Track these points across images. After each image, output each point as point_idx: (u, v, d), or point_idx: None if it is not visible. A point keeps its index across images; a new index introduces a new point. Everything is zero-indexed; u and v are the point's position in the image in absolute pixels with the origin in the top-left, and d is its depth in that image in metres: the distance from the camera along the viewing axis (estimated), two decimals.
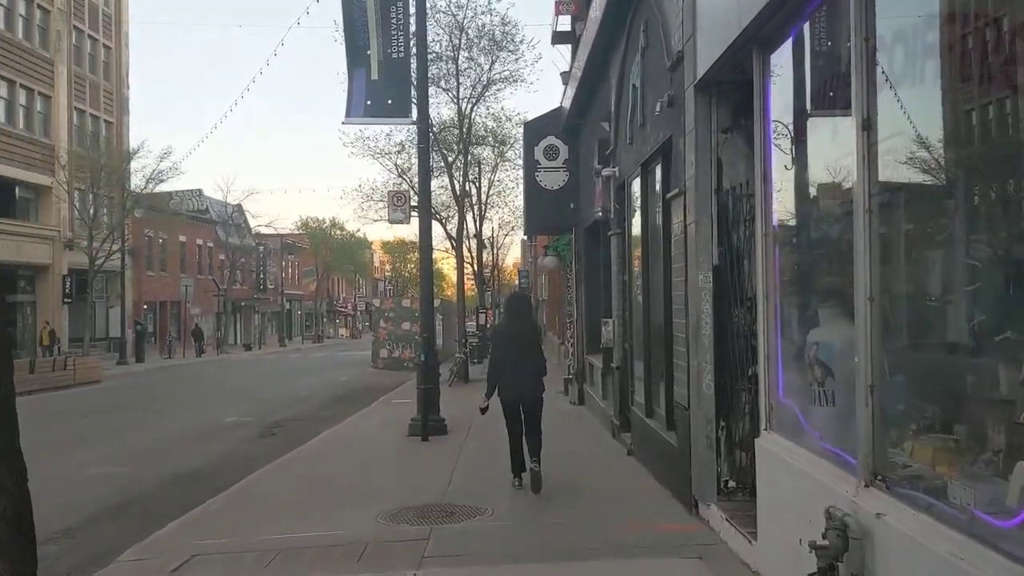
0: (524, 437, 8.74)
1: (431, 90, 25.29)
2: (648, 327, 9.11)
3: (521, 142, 28.62)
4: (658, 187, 8.31)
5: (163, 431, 15.73)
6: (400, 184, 26.95)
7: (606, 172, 10.99)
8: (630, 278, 10.22)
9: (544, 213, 16.89)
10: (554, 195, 16.68)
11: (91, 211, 36.64)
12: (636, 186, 9.60)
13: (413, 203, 12.65)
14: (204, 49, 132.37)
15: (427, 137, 12.88)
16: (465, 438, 12.39)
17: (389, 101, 12.75)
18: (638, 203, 9.52)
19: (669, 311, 7.65)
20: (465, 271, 45.29)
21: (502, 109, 25.74)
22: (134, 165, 40.59)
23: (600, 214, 11.24)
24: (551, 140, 16.72)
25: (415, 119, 12.79)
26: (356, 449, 11.88)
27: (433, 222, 34.71)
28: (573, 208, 16.35)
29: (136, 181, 40.60)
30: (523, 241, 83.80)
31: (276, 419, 17.25)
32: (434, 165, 31.88)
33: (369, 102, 12.72)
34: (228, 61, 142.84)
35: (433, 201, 33.00)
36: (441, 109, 25.77)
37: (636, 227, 9.93)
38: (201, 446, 13.86)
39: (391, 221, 12.80)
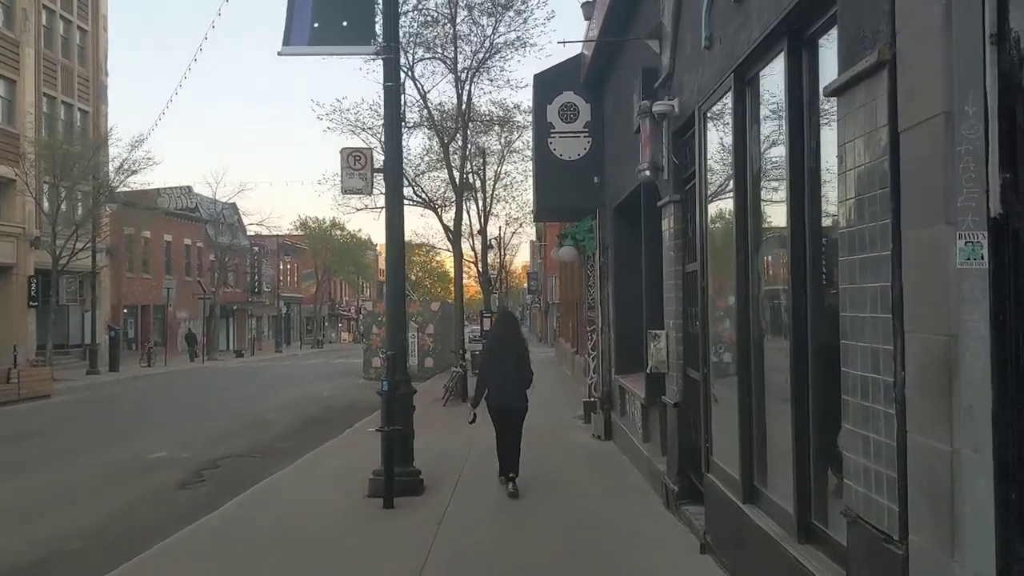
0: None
1: (422, 56, 21.77)
2: (756, 347, 5.31)
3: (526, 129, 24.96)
4: (803, 83, 4.48)
5: (65, 472, 12.07)
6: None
7: (659, 108, 7.20)
8: (706, 267, 6.41)
9: (559, 191, 13.10)
10: (572, 168, 12.91)
11: (57, 204, 33.05)
12: (724, 108, 5.78)
13: (378, 166, 8.80)
14: (189, 39, 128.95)
15: (397, 72, 9.11)
16: (449, 501, 8.60)
17: (344, 23, 9.03)
18: (727, 137, 5.71)
19: (830, 324, 3.85)
20: (466, 271, 41.56)
21: (507, 82, 21.92)
22: (111, 154, 37.11)
23: (647, 173, 7.46)
24: (568, 97, 12.95)
25: (379, 47, 9.02)
26: (285, 524, 8.06)
27: (428, 212, 30.84)
28: (598, 183, 12.56)
29: (114, 175, 37.07)
30: (532, 243, 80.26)
31: (219, 454, 13.53)
32: (429, 148, 28.23)
33: (317, 24, 9.01)
34: (217, 57, 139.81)
35: (428, 191, 29.34)
36: (436, 80, 21.97)
37: (719, 179, 6.13)
38: (95, 498, 10.32)
39: (345, 190, 9.03)
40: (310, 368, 39.33)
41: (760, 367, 5.28)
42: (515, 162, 36.88)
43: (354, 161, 9.01)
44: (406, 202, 27.88)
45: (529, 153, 38.30)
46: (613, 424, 12.22)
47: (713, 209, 6.26)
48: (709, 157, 6.28)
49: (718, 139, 6.11)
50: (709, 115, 6.22)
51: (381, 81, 9.13)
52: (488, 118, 29.57)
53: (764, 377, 5.24)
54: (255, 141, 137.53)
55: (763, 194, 5.26)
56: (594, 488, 9.29)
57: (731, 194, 5.62)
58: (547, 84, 13.13)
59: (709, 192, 6.29)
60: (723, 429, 6.03)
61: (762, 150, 5.24)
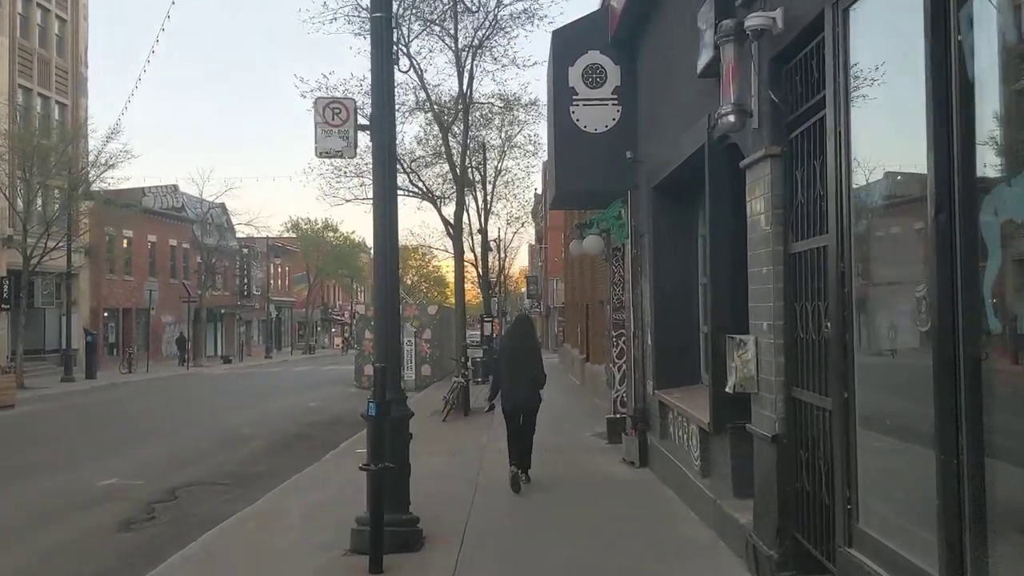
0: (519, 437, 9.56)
1: (420, 31, 19.68)
2: (968, 363, 3.21)
3: (523, 122, 22.76)
4: None
5: None
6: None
7: (755, 21, 5.10)
8: (846, 241, 4.32)
9: (583, 171, 11.00)
10: (599, 142, 10.83)
11: (28, 200, 30.92)
12: None
13: (363, 122, 6.69)
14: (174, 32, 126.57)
15: (388, 2, 7.03)
16: (455, 563, 6.47)
17: None
18: (899, 36, 3.62)
19: None
20: (466, 272, 39.55)
21: (513, 60, 19.89)
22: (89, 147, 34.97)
23: (730, 119, 5.38)
24: (594, 57, 10.88)
25: None
26: None
27: (425, 206, 28.62)
28: (631, 160, 10.47)
29: (88, 169, 34.90)
30: (531, 246, 78.21)
31: (179, 481, 11.43)
32: (428, 135, 26.09)
33: None
34: (204, 49, 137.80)
35: (427, 184, 27.15)
36: (435, 58, 19.89)
37: (882, 102, 4.04)
38: (5, 547, 8.15)
39: (320, 152, 6.93)
40: (299, 375, 37.23)
41: (976, 394, 3.20)
42: (516, 158, 34.89)
43: (332, 115, 6.92)
44: (400, 193, 25.82)
45: (531, 148, 36.32)
46: (651, 448, 10.12)
47: (863, 150, 4.17)
48: (857, 75, 4.19)
49: (877, 42, 4.03)
50: (855, 9, 4.14)
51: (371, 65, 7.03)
52: (489, 109, 27.56)
53: (987, 411, 3.17)
54: (242, 136, 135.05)
55: (981, 108, 3.19)
56: (634, 541, 7.16)
57: (907, 121, 3.54)
58: (568, 42, 11.04)
59: (854, 128, 4.21)
60: (888, 485, 3.95)
61: (979, 38, 3.17)
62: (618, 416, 12.26)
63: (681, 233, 9.53)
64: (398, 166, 23.62)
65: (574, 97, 10.82)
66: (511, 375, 9.54)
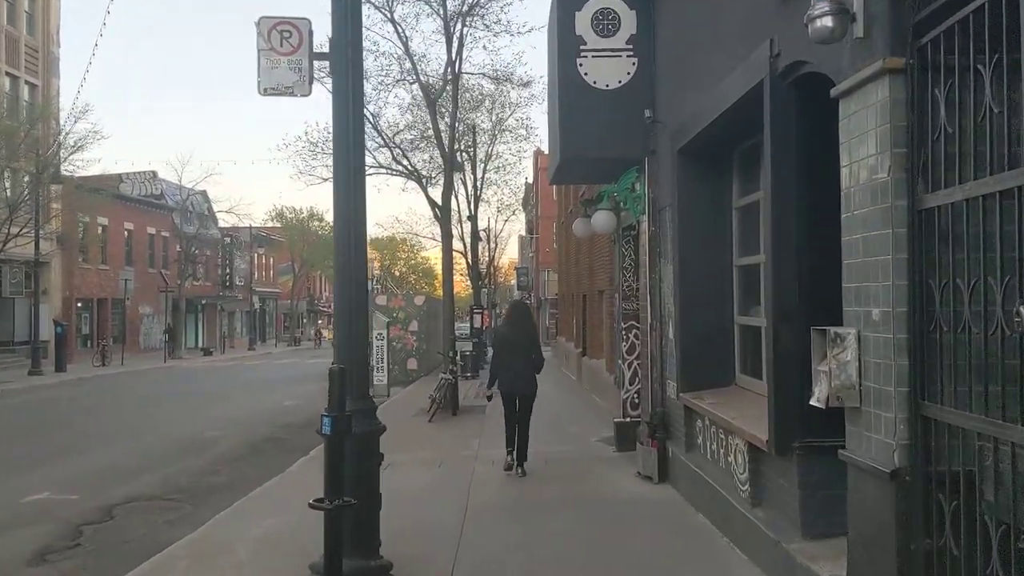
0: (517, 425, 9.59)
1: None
2: None
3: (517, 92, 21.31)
4: None
5: None
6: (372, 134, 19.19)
7: None
8: None
9: (591, 134, 9.36)
10: (610, 100, 9.21)
11: None
12: None
13: (321, 50, 5.03)
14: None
15: None
16: None
17: None
18: None
19: None
20: (456, 264, 37.91)
21: (506, 28, 18.29)
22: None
23: (827, 23, 3.81)
24: (605, 1, 9.27)
25: None
26: None
27: (412, 186, 26.84)
28: (651, 120, 8.87)
29: (56, 151, 33.08)
30: (521, 237, 76.43)
31: (120, 496, 9.85)
32: (413, 104, 24.36)
33: None
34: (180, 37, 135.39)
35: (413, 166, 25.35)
36: (423, 26, 18.15)
37: None
38: None
39: (264, 89, 5.28)
40: (280, 369, 35.56)
41: None
42: (507, 142, 33.37)
43: (280, 39, 5.28)
44: (384, 171, 24.12)
45: (523, 132, 34.61)
46: (673, 461, 8.54)
47: None
48: None
49: None
50: None
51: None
52: (480, 91, 25.99)
53: None
54: (222, 121, 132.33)
55: None
56: None
57: None
58: None
59: None
60: None
61: None
62: (628, 420, 10.69)
63: (712, 205, 7.94)
64: (380, 140, 22.02)
65: (582, 48, 9.21)
66: (510, 361, 9.69)
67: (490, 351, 33.61)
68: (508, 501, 8.29)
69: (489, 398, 10.37)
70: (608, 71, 9.17)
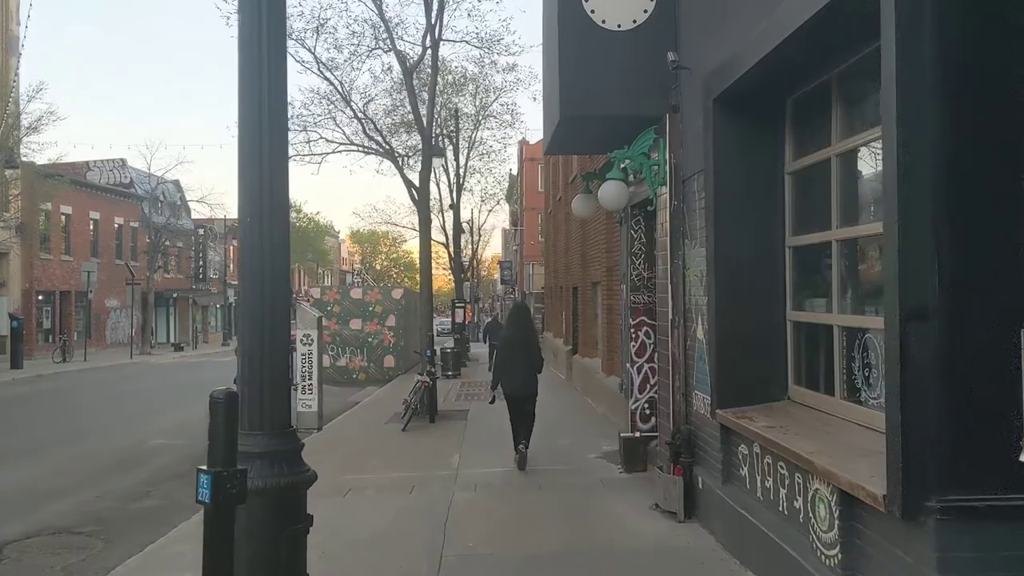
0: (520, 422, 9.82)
1: None
2: None
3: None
4: None
5: None
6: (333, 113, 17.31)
7: None
8: None
9: (598, 87, 7.55)
10: (623, 44, 7.44)
11: None
12: None
13: None
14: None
15: None
16: None
17: None
18: None
19: None
20: (437, 258, 35.97)
21: None
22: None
23: None
24: None
25: None
26: None
27: (388, 166, 25.03)
28: (675, 65, 7.09)
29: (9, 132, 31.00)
30: (504, 230, 74.54)
31: (21, 529, 8.14)
32: (393, 96, 22.51)
33: None
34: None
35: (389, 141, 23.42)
36: None
37: None
38: None
39: None
40: None
41: None
42: (491, 128, 31.63)
43: None
44: (355, 148, 22.25)
45: (509, 118, 32.86)
46: (703, 492, 6.78)
47: None
48: None
49: None
50: None
51: None
52: (463, 74, 24.23)
53: None
54: (190, 105, 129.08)
55: None
56: None
57: None
58: None
59: None
60: None
61: None
62: (638, 435, 8.95)
63: (758, 170, 6.19)
64: (350, 112, 20.17)
65: None
66: (513, 363, 9.90)
67: (472, 347, 31.53)
68: (495, 548, 6.50)
69: (492, 401, 10.40)
70: (621, 7, 7.39)
